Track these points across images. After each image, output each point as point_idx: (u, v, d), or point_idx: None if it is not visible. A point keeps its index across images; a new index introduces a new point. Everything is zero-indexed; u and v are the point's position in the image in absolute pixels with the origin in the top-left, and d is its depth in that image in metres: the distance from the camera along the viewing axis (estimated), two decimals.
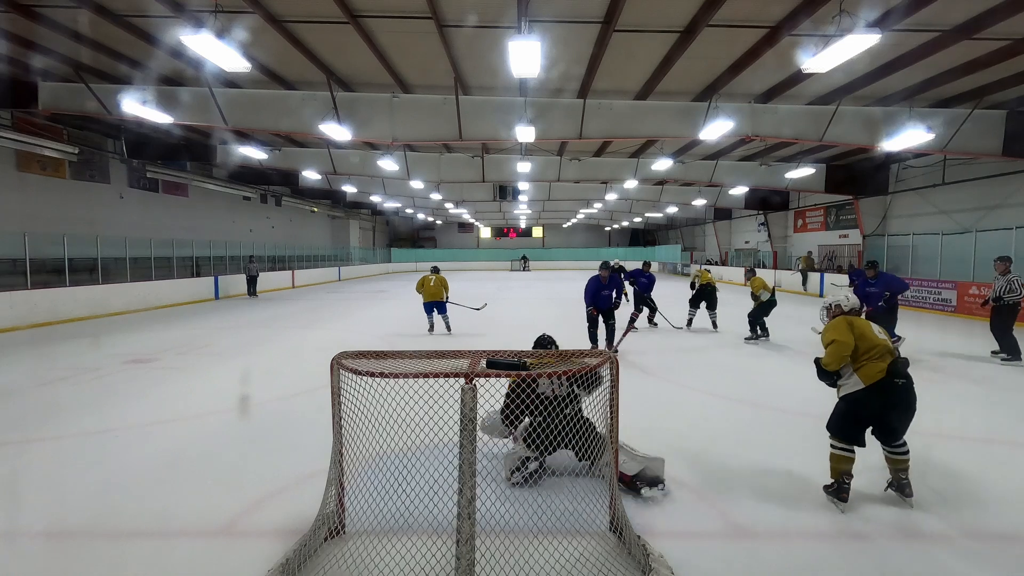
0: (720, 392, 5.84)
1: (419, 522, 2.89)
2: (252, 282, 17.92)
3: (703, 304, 10.39)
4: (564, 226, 44.19)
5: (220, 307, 14.85)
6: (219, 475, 3.69)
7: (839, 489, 3.19)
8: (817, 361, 3.39)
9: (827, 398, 5.50)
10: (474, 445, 2.30)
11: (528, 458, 3.42)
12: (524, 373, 2.59)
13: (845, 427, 3.23)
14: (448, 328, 9.73)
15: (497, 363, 2.84)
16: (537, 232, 46.17)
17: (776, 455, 4.02)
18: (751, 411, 5.15)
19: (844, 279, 17.23)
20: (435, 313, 9.76)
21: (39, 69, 9.13)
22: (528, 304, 15.81)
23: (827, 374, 3.34)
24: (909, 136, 9.90)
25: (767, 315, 9.12)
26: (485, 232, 45.95)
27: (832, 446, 3.26)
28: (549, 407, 3.14)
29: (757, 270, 10.89)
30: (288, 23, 7.71)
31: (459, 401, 2.33)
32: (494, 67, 9.13)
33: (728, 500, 3.27)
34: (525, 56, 6.47)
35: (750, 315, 9.20)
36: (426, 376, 2.44)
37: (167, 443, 4.30)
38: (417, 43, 8.33)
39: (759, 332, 9.11)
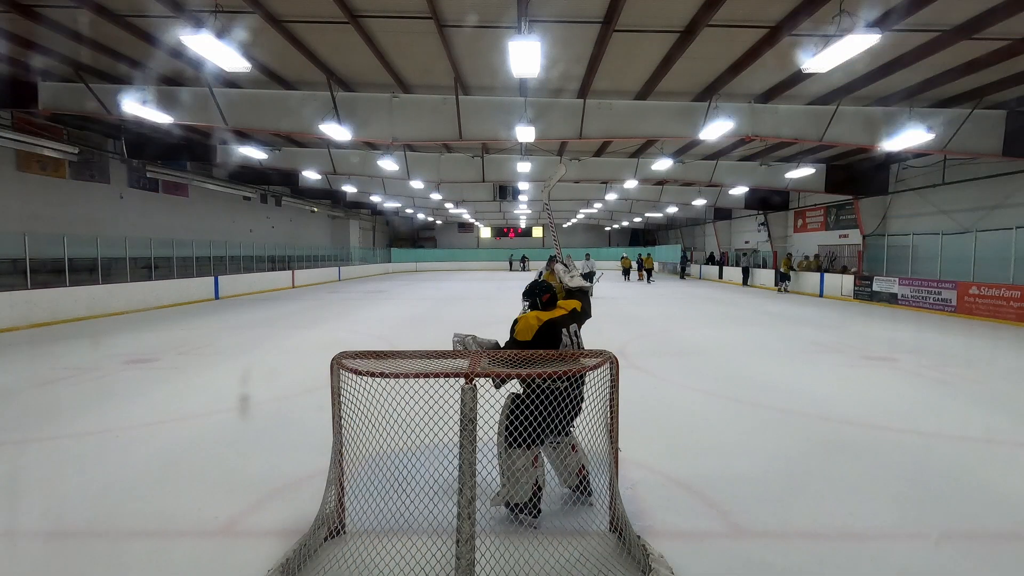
0: (720, 392, 5.83)
1: (419, 522, 2.88)
2: None
3: None
4: (564, 226, 44.14)
5: (220, 307, 14.84)
6: (219, 475, 3.69)
7: None
8: None
9: (827, 398, 5.53)
10: (474, 445, 2.29)
11: (539, 487, 2.96)
12: (526, 373, 2.56)
13: None
14: None
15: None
16: (537, 232, 46.16)
17: (776, 455, 4.02)
18: (751, 411, 5.15)
19: (848, 280, 17.22)
20: None
21: (39, 69, 9.13)
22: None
23: None
24: (909, 136, 9.90)
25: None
26: (485, 232, 45.95)
27: None
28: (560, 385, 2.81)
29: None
30: (288, 23, 7.70)
31: (459, 401, 2.33)
32: (494, 67, 9.13)
33: (728, 500, 3.27)
34: (525, 56, 6.47)
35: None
36: (426, 376, 2.44)
37: (167, 443, 4.29)
38: (417, 43, 8.32)
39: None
